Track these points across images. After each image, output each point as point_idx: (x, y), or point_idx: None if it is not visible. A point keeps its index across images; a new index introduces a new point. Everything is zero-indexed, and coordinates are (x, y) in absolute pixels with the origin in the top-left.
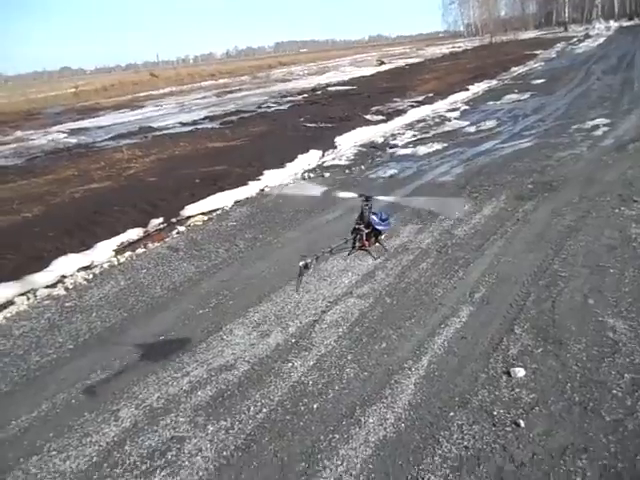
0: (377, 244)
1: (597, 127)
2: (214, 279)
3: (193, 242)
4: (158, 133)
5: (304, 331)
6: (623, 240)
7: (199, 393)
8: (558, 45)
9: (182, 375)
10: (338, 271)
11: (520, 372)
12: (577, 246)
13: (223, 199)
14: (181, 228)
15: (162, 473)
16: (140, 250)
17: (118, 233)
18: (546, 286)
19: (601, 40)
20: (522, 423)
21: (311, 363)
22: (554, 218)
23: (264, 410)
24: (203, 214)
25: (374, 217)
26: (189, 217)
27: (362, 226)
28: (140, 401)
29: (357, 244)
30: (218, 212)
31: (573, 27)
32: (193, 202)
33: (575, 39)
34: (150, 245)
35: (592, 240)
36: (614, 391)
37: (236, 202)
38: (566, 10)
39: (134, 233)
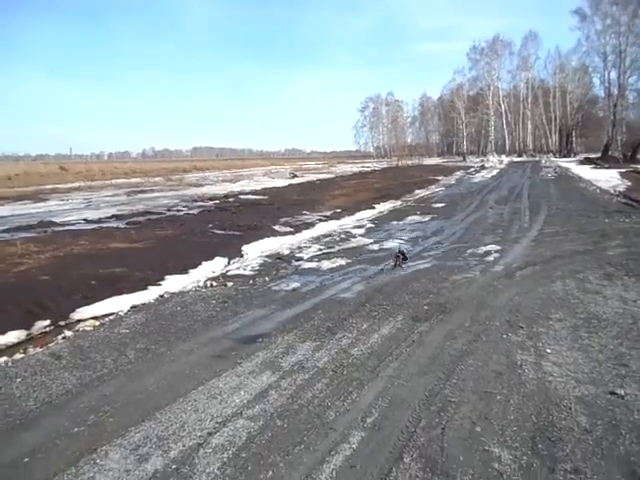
0: (404, 264)
1: (489, 253)
2: (96, 393)
3: (79, 349)
4: (59, 229)
5: (187, 456)
6: (509, 366)
7: None
8: (457, 173)
9: None
10: (230, 389)
11: None
12: (467, 371)
13: (119, 303)
14: (68, 333)
15: None
16: (18, 355)
17: None
18: (437, 412)
19: (494, 172)
20: None
21: None
22: (447, 341)
23: None
24: (95, 318)
25: (404, 250)
26: (79, 321)
27: (400, 254)
28: None
29: (397, 263)
30: (111, 317)
31: (471, 158)
32: (86, 305)
33: (472, 169)
34: (31, 350)
35: (481, 365)
36: None
37: (132, 307)
38: (465, 143)
39: (14, 335)
